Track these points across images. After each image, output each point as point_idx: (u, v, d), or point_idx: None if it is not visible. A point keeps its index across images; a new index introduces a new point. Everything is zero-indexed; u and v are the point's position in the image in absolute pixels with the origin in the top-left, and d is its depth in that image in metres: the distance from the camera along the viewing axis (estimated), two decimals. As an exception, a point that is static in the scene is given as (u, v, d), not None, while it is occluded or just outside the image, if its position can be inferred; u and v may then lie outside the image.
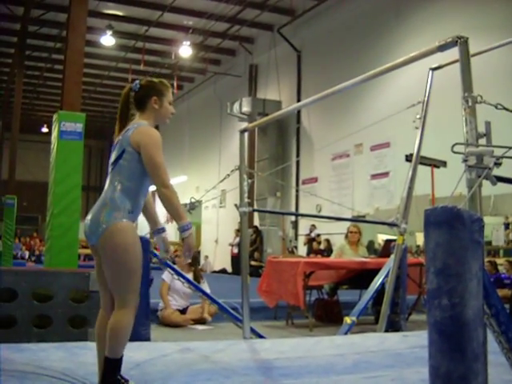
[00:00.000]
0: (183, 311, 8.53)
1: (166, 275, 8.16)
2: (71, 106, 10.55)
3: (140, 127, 3.69)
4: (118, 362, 3.44)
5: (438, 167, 10.63)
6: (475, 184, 2.52)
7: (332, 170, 19.23)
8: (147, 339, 5.56)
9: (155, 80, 3.94)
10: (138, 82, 3.84)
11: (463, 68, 2.91)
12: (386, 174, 16.92)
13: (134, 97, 3.80)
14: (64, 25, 16.84)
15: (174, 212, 3.55)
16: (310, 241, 19.13)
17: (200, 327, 8.30)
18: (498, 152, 2.60)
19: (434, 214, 2.16)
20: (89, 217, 3.54)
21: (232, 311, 6.31)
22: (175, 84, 27.24)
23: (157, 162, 3.54)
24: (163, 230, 3.97)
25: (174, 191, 3.54)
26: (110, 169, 3.66)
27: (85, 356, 4.38)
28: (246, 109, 21.65)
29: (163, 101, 3.86)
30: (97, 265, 3.60)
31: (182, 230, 3.50)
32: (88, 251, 27.25)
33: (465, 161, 2.56)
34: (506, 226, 13.77)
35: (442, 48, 3.20)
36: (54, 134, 9.11)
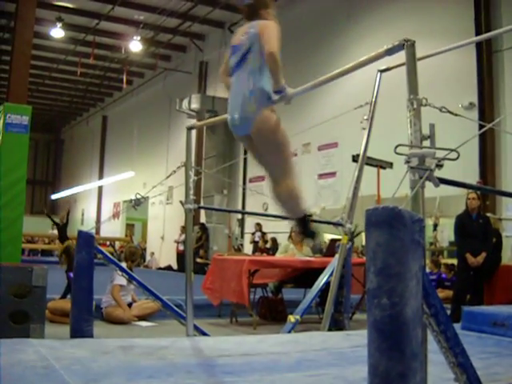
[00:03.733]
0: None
1: (118, 279, 8.08)
2: (17, 99, 10.40)
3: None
4: (307, 217, 4.40)
5: (384, 168, 10.76)
6: (417, 185, 2.55)
7: (279, 169, 19.27)
8: (90, 336, 5.49)
9: None
10: None
11: (409, 71, 2.94)
12: (333, 174, 17.05)
13: None
14: (12, 15, 16.58)
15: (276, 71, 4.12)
16: (256, 242, 19.17)
17: (144, 324, 8.27)
18: (442, 154, 2.64)
19: (375, 214, 2.18)
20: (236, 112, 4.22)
21: (176, 308, 6.29)
22: (124, 79, 27.05)
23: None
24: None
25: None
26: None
27: (25, 353, 4.31)
28: (195, 106, 21.56)
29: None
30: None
31: (280, 90, 4.13)
32: (32, 246, 27.05)
33: (407, 162, 2.59)
34: (435, 226, 14.02)
35: (389, 51, 3.24)
36: (-1, 126, 8.97)
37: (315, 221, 4.77)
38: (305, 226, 4.40)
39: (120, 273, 6.50)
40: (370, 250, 2.18)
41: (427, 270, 12.61)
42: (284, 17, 19.37)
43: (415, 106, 2.79)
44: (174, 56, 26.96)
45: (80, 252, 5.52)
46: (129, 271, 6.82)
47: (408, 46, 3.02)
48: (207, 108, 21.22)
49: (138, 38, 23.17)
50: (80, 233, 5.63)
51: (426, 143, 2.74)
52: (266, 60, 4.11)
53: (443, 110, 3.04)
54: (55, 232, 30.55)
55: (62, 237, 18.21)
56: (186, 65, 25.55)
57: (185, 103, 21.92)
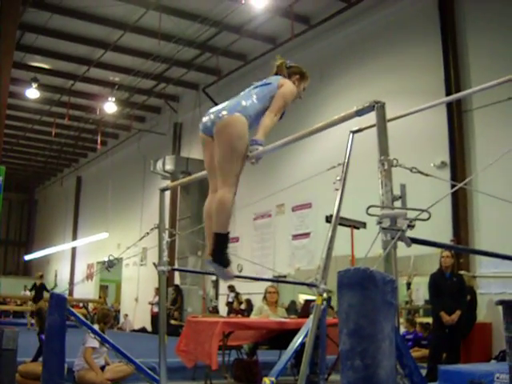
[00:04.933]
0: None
1: (91, 341, 7.97)
2: (-9, 159, 10.36)
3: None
4: (226, 236, 4.35)
5: (357, 228, 10.79)
6: (389, 245, 2.56)
7: (254, 230, 19.28)
8: (61, 400, 5.38)
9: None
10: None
11: (380, 132, 2.97)
12: (307, 235, 17.04)
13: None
14: (-13, 76, 16.62)
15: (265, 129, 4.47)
16: (230, 303, 19.04)
17: (117, 387, 8.13)
18: (413, 214, 2.65)
19: (347, 276, 2.18)
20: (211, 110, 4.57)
21: (149, 371, 6.19)
22: (99, 140, 27.09)
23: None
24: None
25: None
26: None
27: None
28: (169, 167, 21.57)
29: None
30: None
31: (255, 142, 4.40)
32: (4, 307, 26.62)
33: (379, 223, 2.60)
34: (408, 285, 14.03)
35: (359, 112, 3.27)
36: (-28, 186, 8.91)
37: (290, 282, 4.75)
38: (218, 246, 4.32)
39: (92, 335, 6.41)
40: (342, 311, 2.17)
41: (403, 330, 12.63)
42: (257, 79, 19.54)
43: (386, 167, 2.82)
44: (149, 117, 27.09)
45: (52, 314, 5.44)
46: (101, 333, 6.72)
47: (378, 107, 3.06)
48: (181, 169, 21.22)
49: (113, 99, 23.25)
50: (52, 294, 5.57)
51: (398, 203, 2.76)
52: (266, 116, 4.51)
53: (414, 170, 3.07)
54: (27, 293, 30.24)
55: (38, 298, 17.98)
56: (161, 126, 25.64)
57: (159, 164, 21.93)
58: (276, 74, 4.91)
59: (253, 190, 18.13)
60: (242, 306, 18.15)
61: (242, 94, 4.64)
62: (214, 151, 4.43)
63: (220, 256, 4.34)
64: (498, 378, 6.41)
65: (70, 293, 27.93)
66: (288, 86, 4.69)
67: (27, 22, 17.87)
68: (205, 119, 4.58)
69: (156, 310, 21.25)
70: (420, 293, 13.72)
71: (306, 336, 6.65)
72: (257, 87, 4.68)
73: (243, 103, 4.46)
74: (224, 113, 4.39)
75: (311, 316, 6.66)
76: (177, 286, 21.46)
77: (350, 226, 10.65)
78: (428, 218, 2.59)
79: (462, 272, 11.15)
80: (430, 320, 10.92)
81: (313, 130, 3.91)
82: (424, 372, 8.71)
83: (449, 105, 13.11)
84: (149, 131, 26.35)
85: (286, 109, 4.68)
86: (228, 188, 4.34)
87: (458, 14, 13.74)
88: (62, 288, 25.03)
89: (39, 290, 19.39)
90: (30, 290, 24.06)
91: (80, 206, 35.21)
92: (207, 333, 8.14)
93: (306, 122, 16.50)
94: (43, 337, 6.61)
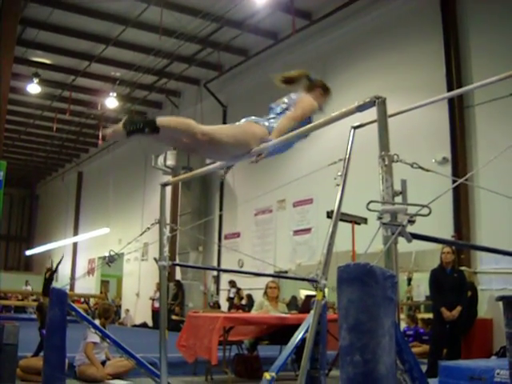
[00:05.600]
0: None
1: (92, 336, 7.98)
2: (-8, 154, 10.36)
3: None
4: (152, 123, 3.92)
5: (358, 224, 10.79)
6: (389, 241, 2.55)
7: (255, 226, 19.28)
8: (62, 395, 5.38)
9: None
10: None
11: (380, 127, 2.96)
12: (308, 230, 17.04)
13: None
14: (-12, 71, 16.61)
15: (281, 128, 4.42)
16: (231, 298, 19.07)
17: (118, 382, 8.13)
18: (414, 210, 2.65)
19: (347, 271, 2.17)
20: None
21: (150, 366, 6.20)
22: (100, 135, 27.08)
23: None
24: None
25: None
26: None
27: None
28: (170, 162, 21.55)
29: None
30: None
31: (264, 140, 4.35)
32: (5, 302, 26.62)
33: (380, 218, 2.60)
34: (409, 281, 14.03)
35: (360, 108, 3.26)
36: (-27, 181, 8.91)
37: (291, 277, 4.74)
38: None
39: (93, 330, 6.42)
40: (342, 306, 2.17)
41: (404, 326, 12.64)
42: (259, 74, 19.60)
43: (387, 163, 2.81)
44: (150, 112, 27.07)
45: (53, 309, 5.43)
46: (102, 328, 6.72)
47: (379, 102, 3.05)
48: (182, 165, 21.20)
49: (114, 94, 23.24)
50: (53, 290, 5.56)
51: (399, 199, 2.75)
52: (283, 118, 4.54)
53: (414, 165, 3.06)
54: (28, 288, 30.24)
55: (46, 291, 17.95)
56: (162, 121, 25.59)
57: (160, 160, 21.91)
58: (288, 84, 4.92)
59: (254, 186, 18.18)
60: (243, 302, 18.18)
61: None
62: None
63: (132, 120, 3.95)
64: (498, 373, 6.40)
65: (71, 288, 27.96)
66: (307, 99, 4.73)
67: (28, 16, 17.87)
68: None
69: (157, 305, 21.28)
70: (421, 289, 13.72)
71: (306, 331, 6.66)
72: (280, 114, 4.70)
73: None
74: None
75: (312, 311, 6.69)
76: (178, 281, 21.47)
77: (351, 221, 10.66)
78: (428, 214, 2.59)
79: (462, 268, 11.15)
80: (431, 316, 10.92)
81: (314, 127, 3.91)
82: (424, 368, 8.72)
83: (450, 101, 13.10)
84: (150, 126, 26.28)
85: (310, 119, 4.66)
86: (207, 131, 4.16)
87: (460, 10, 13.72)
88: (63, 283, 24.98)
89: (48, 282, 19.32)
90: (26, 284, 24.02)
91: (81, 201, 35.22)
92: (208, 328, 8.14)
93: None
94: (44, 332, 6.62)
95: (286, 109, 4.66)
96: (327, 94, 5.02)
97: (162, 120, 4.00)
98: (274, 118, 4.61)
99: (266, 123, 4.50)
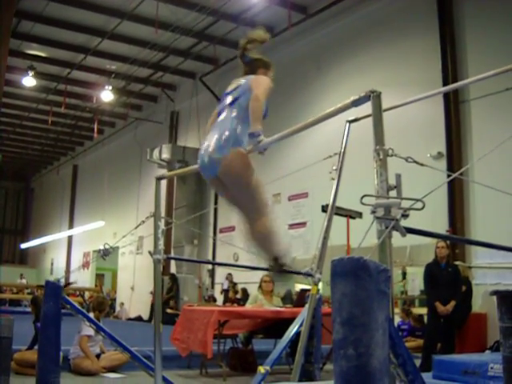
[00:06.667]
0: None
1: (86, 329, 7.99)
2: (-14, 147, 10.34)
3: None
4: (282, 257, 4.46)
5: (353, 218, 10.80)
6: (383, 235, 2.56)
7: (250, 219, 19.25)
8: (56, 388, 5.38)
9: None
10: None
11: (375, 121, 2.96)
12: (303, 224, 17.06)
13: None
14: (-17, 64, 16.58)
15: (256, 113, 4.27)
16: (226, 290, 19.10)
17: (112, 375, 8.15)
18: (408, 204, 2.65)
19: (341, 265, 2.18)
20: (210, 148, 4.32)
21: (144, 360, 6.20)
22: (95, 128, 27.05)
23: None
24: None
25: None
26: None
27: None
28: (165, 156, 21.51)
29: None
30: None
31: (253, 135, 4.18)
32: (0, 295, 26.63)
33: (373, 212, 2.60)
34: (403, 275, 14.05)
35: (355, 102, 3.25)
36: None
37: (286, 271, 4.76)
38: (278, 265, 4.47)
39: (88, 323, 6.42)
40: (335, 300, 2.17)
41: (399, 320, 12.66)
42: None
43: (381, 157, 2.81)
44: (145, 106, 27.06)
45: (47, 302, 5.43)
46: (96, 321, 6.73)
47: (374, 97, 3.04)
48: (178, 158, 21.18)
49: (110, 87, 23.21)
50: (47, 283, 5.56)
51: (394, 193, 2.75)
52: (250, 103, 4.32)
53: (409, 160, 3.06)
54: (23, 281, 30.23)
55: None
56: (157, 115, 25.59)
57: (155, 153, 21.89)
58: (247, 72, 4.94)
59: (249, 180, 18.14)
60: (238, 295, 18.20)
61: (222, 118, 4.54)
62: (226, 186, 4.51)
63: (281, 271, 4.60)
64: (492, 368, 6.42)
65: (66, 281, 27.96)
66: (260, 77, 4.69)
67: (24, 9, 17.81)
68: (200, 165, 4.52)
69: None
70: (416, 283, 13.75)
71: (301, 325, 6.67)
72: (233, 103, 4.56)
73: (227, 134, 4.32)
74: (217, 156, 4.28)
75: (306, 305, 6.69)
76: (173, 274, 21.49)
77: (345, 215, 10.67)
78: (422, 208, 2.59)
79: (457, 262, 11.17)
80: (425, 311, 10.94)
81: (309, 123, 3.90)
82: (418, 362, 8.74)
83: (446, 95, 13.11)
84: (145, 120, 26.31)
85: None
86: (265, 217, 4.44)
87: (456, 5, 13.71)
88: (58, 276, 25.01)
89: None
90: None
91: (76, 195, 35.17)
92: (202, 321, 8.16)
93: (303, 110, 16.54)
94: (39, 325, 6.62)
95: (237, 98, 4.54)
96: (270, 69, 4.94)
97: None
98: (238, 124, 4.40)
99: (244, 142, 4.31)
